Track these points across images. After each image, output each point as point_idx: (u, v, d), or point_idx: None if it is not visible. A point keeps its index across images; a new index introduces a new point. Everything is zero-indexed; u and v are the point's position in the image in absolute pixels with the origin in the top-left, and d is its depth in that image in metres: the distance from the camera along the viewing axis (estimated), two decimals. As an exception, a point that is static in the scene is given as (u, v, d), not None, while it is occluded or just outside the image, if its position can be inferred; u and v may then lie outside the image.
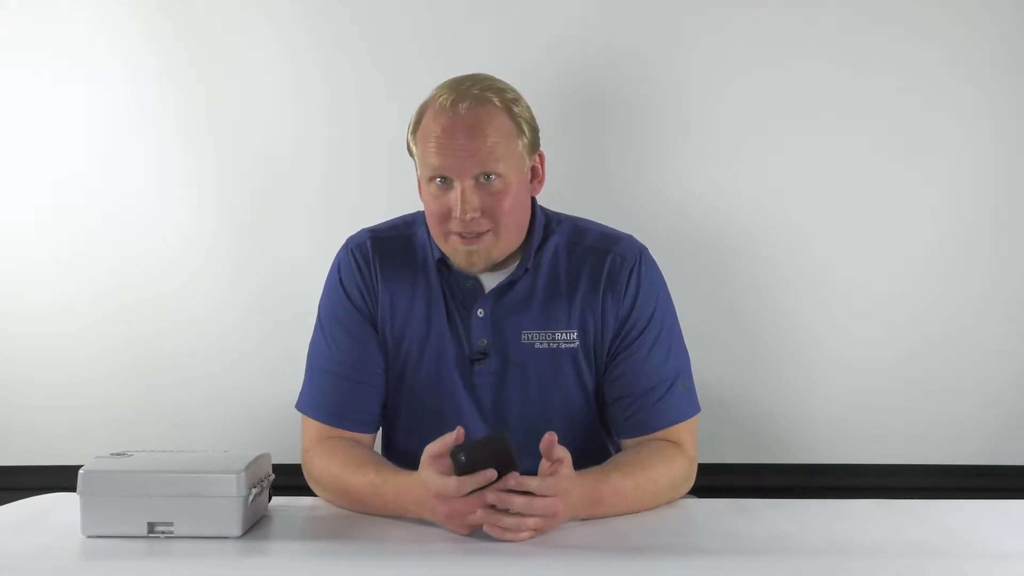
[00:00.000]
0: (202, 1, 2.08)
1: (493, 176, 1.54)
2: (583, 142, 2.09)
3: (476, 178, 1.54)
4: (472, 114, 1.54)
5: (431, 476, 1.34)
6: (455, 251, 1.58)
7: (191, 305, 2.12)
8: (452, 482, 1.31)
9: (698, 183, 2.11)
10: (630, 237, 1.69)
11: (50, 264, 2.12)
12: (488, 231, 1.55)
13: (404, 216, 1.72)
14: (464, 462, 1.31)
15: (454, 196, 1.54)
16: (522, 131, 1.58)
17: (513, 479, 1.31)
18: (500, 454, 1.30)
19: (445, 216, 1.56)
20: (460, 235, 1.56)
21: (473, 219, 1.54)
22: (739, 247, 2.12)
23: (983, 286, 2.12)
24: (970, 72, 2.08)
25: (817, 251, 2.12)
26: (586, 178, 2.08)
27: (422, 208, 1.72)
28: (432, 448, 1.37)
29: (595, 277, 1.63)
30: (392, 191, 2.06)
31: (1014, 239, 2.11)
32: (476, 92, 1.56)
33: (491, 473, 1.30)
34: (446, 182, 1.55)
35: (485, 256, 1.57)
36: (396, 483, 1.43)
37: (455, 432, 1.35)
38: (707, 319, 2.05)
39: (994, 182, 2.10)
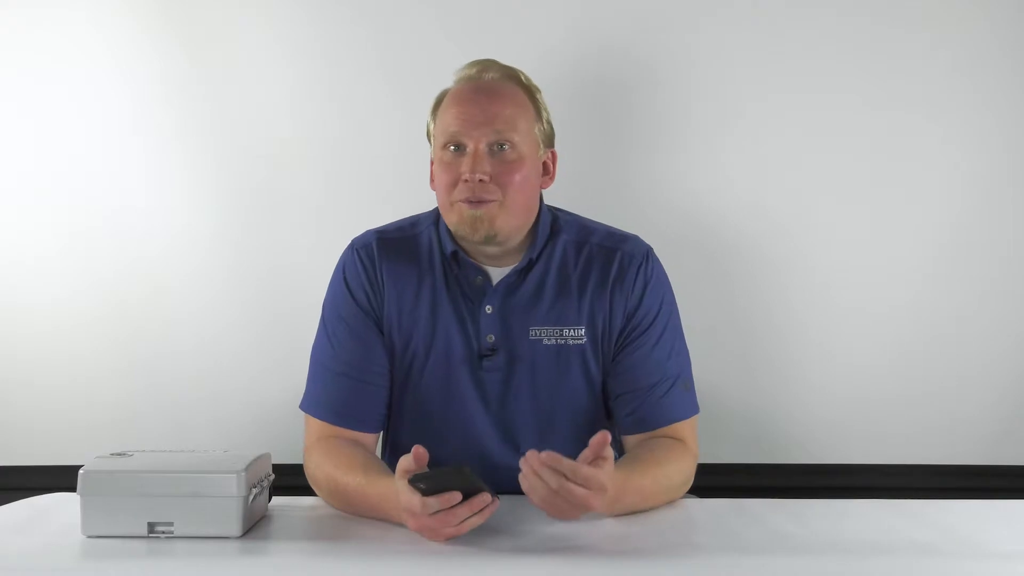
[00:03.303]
0: (202, 1, 2.08)
1: (507, 146, 1.56)
2: (581, 143, 2.08)
3: (490, 146, 1.56)
4: (496, 84, 1.60)
5: (403, 488, 1.32)
6: (460, 218, 1.57)
7: (191, 305, 2.12)
8: (417, 502, 1.29)
9: (697, 183, 2.11)
10: (636, 236, 1.70)
11: (50, 264, 2.12)
12: (495, 200, 1.56)
13: (410, 217, 1.72)
14: (425, 489, 1.29)
15: (466, 161, 1.55)
16: (540, 118, 1.63)
17: (494, 499, 1.31)
18: (463, 482, 1.29)
19: (454, 183, 1.57)
20: (467, 201, 1.56)
21: (482, 182, 1.54)
22: (738, 246, 2.12)
23: (983, 286, 2.11)
24: (970, 72, 2.08)
25: (817, 251, 2.12)
26: (585, 178, 2.08)
27: (424, 209, 1.72)
28: (403, 463, 1.34)
29: (604, 274, 1.64)
30: (392, 190, 2.07)
31: (1014, 239, 2.11)
32: (504, 66, 1.62)
33: (455, 496, 1.28)
34: (460, 150, 1.57)
35: (488, 224, 1.56)
36: (381, 486, 1.42)
37: (413, 451, 1.33)
38: (707, 319, 2.05)
39: (994, 182, 2.10)
